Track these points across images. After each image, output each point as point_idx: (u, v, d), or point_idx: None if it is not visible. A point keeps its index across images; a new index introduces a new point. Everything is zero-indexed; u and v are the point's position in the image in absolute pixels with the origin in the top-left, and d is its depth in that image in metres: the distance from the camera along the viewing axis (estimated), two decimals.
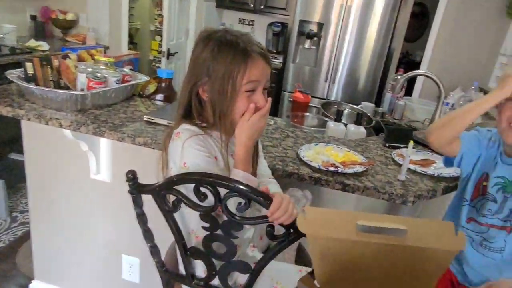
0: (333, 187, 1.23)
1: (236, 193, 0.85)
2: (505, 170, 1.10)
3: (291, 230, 0.88)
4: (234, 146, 1.01)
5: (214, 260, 0.99)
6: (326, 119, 2.07)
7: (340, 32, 3.66)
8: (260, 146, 1.15)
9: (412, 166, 1.39)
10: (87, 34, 3.56)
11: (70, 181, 1.76)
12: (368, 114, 2.25)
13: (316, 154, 1.39)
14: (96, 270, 1.92)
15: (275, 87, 3.97)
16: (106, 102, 1.57)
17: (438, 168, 1.44)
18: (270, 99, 1.01)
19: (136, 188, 0.98)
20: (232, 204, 0.88)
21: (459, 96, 2.75)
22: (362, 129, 1.83)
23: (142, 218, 1.04)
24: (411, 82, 3.55)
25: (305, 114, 2.16)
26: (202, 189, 0.88)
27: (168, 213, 0.96)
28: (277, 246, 0.91)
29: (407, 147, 1.59)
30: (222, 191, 0.86)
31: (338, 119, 1.87)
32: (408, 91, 3.34)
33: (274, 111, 3.90)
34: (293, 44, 3.83)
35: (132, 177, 0.97)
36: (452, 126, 1.11)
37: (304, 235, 0.87)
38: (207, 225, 0.93)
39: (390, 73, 3.78)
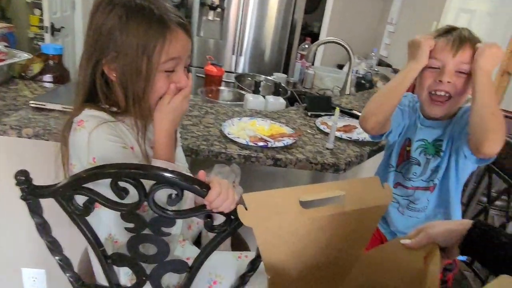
0: (264, 163, 1.15)
1: (165, 184, 0.71)
2: (424, 133, 1.12)
3: (233, 217, 0.77)
4: (152, 133, 0.85)
5: (143, 264, 0.84)
6: (242, 92, 1.98)
7: (243, 3, 3.55)
8: (178, 134, 1.01)
9: (337, 133, 1.37)
10: None
11: None
12: (283, 85, 2.22)
13: (241, 130, 1.29)
14: None
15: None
16: None
17: (360, 133, 1.45)
18: (190, 75, 0.87)
19: (31, 192, 0.76)
20: (162, 197, 0.73)
21: (360, 63, 2.89)
22: (281, 100, 1.78)
23: (44, 227, 0.83)
24: None
25: (220, 88, 2.04)
26: (122, 184, 0.71)
27: (79, 217, 0.78)
28: (218, 237, 0.80)
29: (328, 115, 1.59)
30: (147, 184, 0.71)
31: (256, 91, 1.78)
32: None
33: None
34: (196, 16, 3.61)
35: (23, 179, 0.75)
36: (383, 111, 1.07)
37: None
38: (131, 225, 0.77)
39: (295, 43, 3.82)
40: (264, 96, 1.84)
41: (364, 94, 2.17)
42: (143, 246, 0.84)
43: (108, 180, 0.71)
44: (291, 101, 2.10)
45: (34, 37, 4.48)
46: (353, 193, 0.69)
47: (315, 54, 3.71)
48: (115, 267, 0.88)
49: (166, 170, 0.71)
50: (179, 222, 0.97)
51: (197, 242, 1.16)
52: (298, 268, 0.72)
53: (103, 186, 0.73)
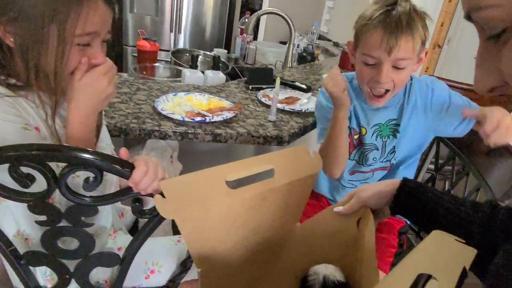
0: (203, 139, 1.06)
1: (78, 166, 0.60)
2: (377, 117, 1.05)
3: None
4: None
5: (65, 261, 0.73)
6: (180, 68, 1.85)
7: None
8: (102, 115, 0.87)
9: (279, 105, 1.31)
10: None
11: None
12: (223, 60, 2.11)
13: (177, 106, 1.18)
14: None
15: (115, 42, 3.46)
16: None
17: (303, 104, 1.41)
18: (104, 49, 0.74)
19: None
20: (77, 181, 0.62)
21: (302, 38, 2.85)
22: (221, 74, 1.68)
23: None
24: (255, 28, 3.56)
25: (155, 65, 1.89)
26: (24, 170, 0.59)
27: None
28: (150, 223, 0.71)
29: (270, 87, 1.52)
30: (59, 168, 0.60)
31: (193, 65, 1.67)
32: (253, 37, 3.33)
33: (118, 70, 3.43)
34: None
35: None
36: (337, 162, 1.02)
37: None
38: (43, 218, 0.66)
39: (235, 19, 3.70)
40: (203, 72, 1.73)
41: (306, 66, 2.13)
42: (64, 241, 0.73)
43: (6, 166, 0.59)
44: (233, 77, 2.01)
45: None
46: (282, 165, 0.64)
47: (255, 27, 3.63)
48: (31, 268, 0.76)
49: (78, 149, 0.60)
50: (106, 211, 0.87)
51: (135, 227, 1.05)
52: (231, 253, 0.66)
53: (2, 173, 0.60)
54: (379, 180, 1.12)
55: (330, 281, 0.67)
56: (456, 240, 0.54)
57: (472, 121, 1.03)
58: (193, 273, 0.92)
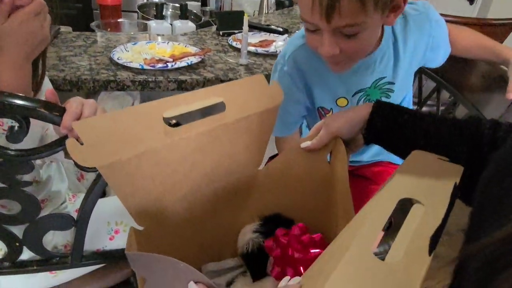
0: (166, 87, 0.96)
1: None
2: (356, 81, 0.80)
3: None
4: None
5: (11, 229, 0.65)
6: (147, 22, 1.71)
7: None
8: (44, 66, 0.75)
9: (252, 49, 1.20)
10: None
11: None
12: (195, 12, 1.96)
13: (137, 54, 1.07)
14: None
15: None
16: None
17: (279, 46, 1.29)
18: None
19: None
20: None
21: None
22: (190, 24, 1.55)
23: None
24: None
25: (119, 20, 1.74)
26: None
27: None
28: (99, 178, 0.63)
29: (242, 32, 1.40)
30: None
31: (159, 16, 1.53)
32: None
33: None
34: None
35: None
36: None
37: None
38: None
39: None
40: (171, 24, 1.60)
41: (283, 11, 1.99)
42: (8, 204, 0.65)
43: None
44: None
45: None
46: (235, 98, 0.53)
47: None
48: None
49: None
50: (58, 173, 0.78)
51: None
52: (181, 206, 0.57)
53: None
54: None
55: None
56: (440, 158, 0.46)
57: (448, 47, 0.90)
58: None
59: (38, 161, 0.88)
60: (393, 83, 0.82)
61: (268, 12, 2.00)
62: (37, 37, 0.62)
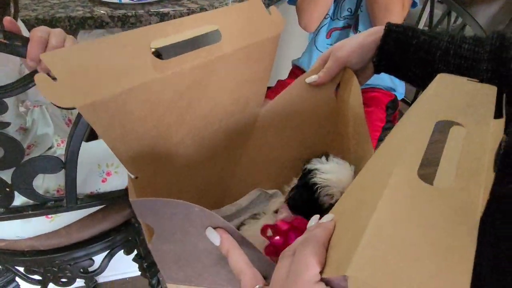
0: (148, 21, 0.90)
1: None
2: None
3: None
4: None
5: None
6: None
7: None
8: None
9: None
10: None
11: None
12: None
13: None
14: None
15: None
16: None
17: None
18: None
19: None
20: None
21: None
22: None
23: None
24: None
25: None
26: None
27: None
28: (80, 116, 0.59)
29: None
30: None
31: None
32: None
33: None
34: None
35: None
36: (320, 6, 0.92)
37: None
38: None
39: None
40: None
41: None
42: None
43: None
44: None
45: None
46: (231, 25, 0.47)
47: None
48: None
49: None
50: (42, 117, 0.76)
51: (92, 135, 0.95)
52: (178, 151, 0.52)
53: None
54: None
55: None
56: (469, 80, 0.40)
57: None
58: None
59: (22, 108, 0.86)
60: None
61: None
62: None
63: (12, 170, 0.63)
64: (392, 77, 0.57)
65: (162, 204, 0.34)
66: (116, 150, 0.44)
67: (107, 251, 0.89)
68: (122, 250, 0.92)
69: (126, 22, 0.89)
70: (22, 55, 0.49)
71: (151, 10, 0.90)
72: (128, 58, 0.39)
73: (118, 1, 0.91)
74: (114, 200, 0.80)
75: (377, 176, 0.31)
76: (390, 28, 0.52)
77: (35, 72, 0.51)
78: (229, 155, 0.62)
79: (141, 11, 0.89)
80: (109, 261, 0.92)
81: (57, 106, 0.56)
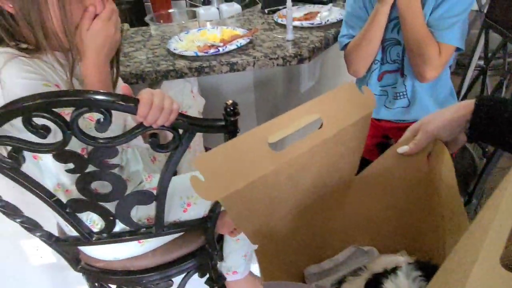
0: (220, 71, 1.03)
1: (85, 108, 0.60)
2: (395, 10, 0.96)
3: (180, 131, 0.68)
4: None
5: (106, 205, 0.77)
6: (195, 9, 1.79)
7: None
8: (118, 69, 0.87)
9: (297, 23, 1.23)
10: None
11: None
12: None
13: (190, 43, 1.15)
14: None
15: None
16: None
17: (324, 17, 1.30)
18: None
19: None
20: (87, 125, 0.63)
21: None
22: (236, 6, 1.60)
23: None
24: None
25: (170, 11, 1.84)
26: (37, 120, 0.61)
27: (13, 171, 0.69)
28: (172, 156, 0.72)
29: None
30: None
31: (206, 1, 1.60)
32: None
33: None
34: None
35: None
36: (362, 57, 1.02)
37: (200, 130, 0.69)
38: (71, 166, 0.68)
39: None
40: (218, 8, 1.66)
41: None
42: (101, 186, 0.77)
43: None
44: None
45: None
46: (330, 112, 0.55)
47: None
48: (79, 216, 0.81)
49: (80, 91, 0.60)
50: (137, 161, 0.90)
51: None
52: (286, 221, 0.61)
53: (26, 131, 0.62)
54: (413, 83, 1.03)
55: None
56: None
57: None
58: None
59: (118, 148, 1.01)
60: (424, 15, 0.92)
61: None
62: (112, 39, 0.72)
63: (115, 202, 0.77)
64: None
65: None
66: (243, 226, 0.53)
67: (185, 274, 1.00)
68: (197, 273, 1.03)
69: (201, 72, 1.03)
70: (134, 113, 0.62)
71: (222, 61, 1.03)
72: (252, 155, 0.49)
73: (194, 54, 1.05)
74: (193, 227, 0.91)
75: (463, 260, 0.33)
76: (480, 103, 0.55)
77: (140, 125, 0.65)
78: (326, 217, 0.69)
79: (214, 62, 1.03)
80: (185, 283, 1.03)
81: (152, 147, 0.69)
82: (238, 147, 0.48)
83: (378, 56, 1.03)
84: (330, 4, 1.39)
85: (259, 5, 1.55)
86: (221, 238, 1.07)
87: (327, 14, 1.32)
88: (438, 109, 0.63)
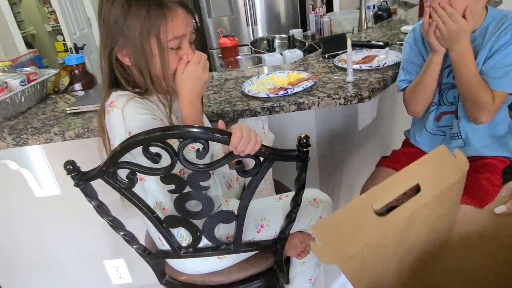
0: (288, 110, 1.17)
1: (190, 140, 0.76)
2: (449, 57, 1.03)
3: (262, 159, 0.81)
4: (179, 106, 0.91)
5: (195, 222, 0.91)
6: (260, 55, 1.99)
7: None
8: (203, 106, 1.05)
9: (356, 66, 1.36)
10: None
11: (13, 209, 1.57)
12: (299, 39, 2.19)
13: (261, 85, 1.31)
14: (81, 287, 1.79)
15: (200, 49, 3.77)
16: (19, 109, 1.37)
17: (381, 60, 1.42)
18: (197, 53, 0.91)
19: (81, 178, 0.85)
20: (191, 154, 0.79)
21: None
22: (298, 52, 1.77)
23: (101, 209, 0.93)
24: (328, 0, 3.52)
25: (237, 57, 2.06)
26: (152, 149, 0.78)
27: (127, 190, 0.86)
28: (253, 181, 0.85)
29: (345, 52, 1.56)
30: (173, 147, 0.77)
31: (271, 49, 1.79)
32: (329, 9, 3.32)
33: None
34: None
35: (71, 168, 0.84)
36: (423, 100, 1.12)
37: (278, 158, 0.82)
38: (172, 187, 0.84)
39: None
40: (281, 54, 1.84)
41: (382, 24, 2.09)
42: (191, 204, 0.91)
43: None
44: (311, 53, 2.07)
45: (63, 62, 4.78)
46: (427, 177, 0.59)
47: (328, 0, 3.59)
48: (171, 231, 0.96)
49: (188, 126, 0.76)
50: (216, 187, 1.04)
51: None
52: (389, 275, 0.66)
53: (140, 157, 0.79)
54: (467, 125, 1.09)
55: None
56: None
57: None
58: (299, 224, 1.04)
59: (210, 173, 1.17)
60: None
61: (367, 27, 2.12)
62: (202, 78, 0.90)
63: (203, 220, 0.91)
64: (509, 145, 0.65)
65: None
66: (356, 284, 0.58)
67: None
68: None
69: (272, 111, 1.18)
70: (227, 143, 0.77)
71: (291, 101, 1.18)
72: (360, 221, 0.55)
73: (266, 96, 1.21)
74: (265, 247, 1.02)
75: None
76: None
77: (230, 153, 0.79)
78: (423, 269, 0.72)
79: (283, 102, 1.18)
80: None
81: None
82: (348, 214, 0.55)
83: (435, 99, 1.11)
84: (387, 48, 1.51)
85: (319, 51, 1.71)
86: (288, 261, 1.16)
87: (384, 57, 1.43)
88: (497, 146, 0.68)
